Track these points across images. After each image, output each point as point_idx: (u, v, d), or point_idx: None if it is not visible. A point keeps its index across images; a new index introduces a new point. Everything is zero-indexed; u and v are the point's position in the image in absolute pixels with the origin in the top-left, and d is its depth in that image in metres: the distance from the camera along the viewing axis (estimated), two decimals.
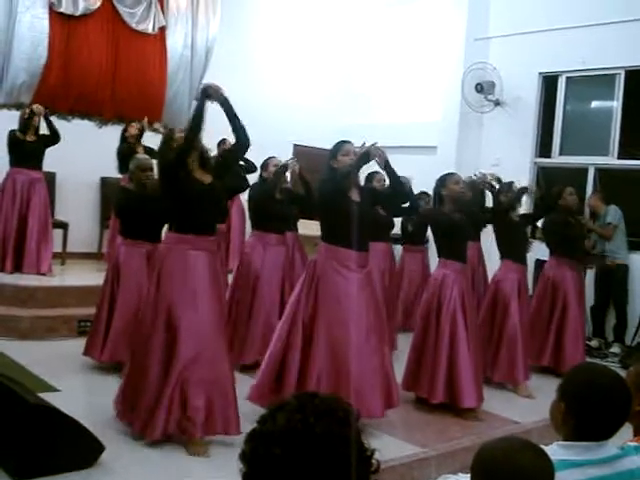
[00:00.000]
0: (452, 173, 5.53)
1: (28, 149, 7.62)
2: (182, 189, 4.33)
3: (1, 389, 3.83)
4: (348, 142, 5.09)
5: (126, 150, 8.19)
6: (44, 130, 7.82)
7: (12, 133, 7.62)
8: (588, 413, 2.16)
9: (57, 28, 8.86)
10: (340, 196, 4.75)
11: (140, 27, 9.58)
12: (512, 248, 6.42)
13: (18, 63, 8.63)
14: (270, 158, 6.65)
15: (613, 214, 8.23)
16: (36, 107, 7.65)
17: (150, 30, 9.68)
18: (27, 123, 7.61)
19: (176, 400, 4.09)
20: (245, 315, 6.08)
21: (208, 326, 4.24)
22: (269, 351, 4.69)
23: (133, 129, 8.50)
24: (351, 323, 4.47)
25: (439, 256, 5.67)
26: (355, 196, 4.82)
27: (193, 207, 4.32)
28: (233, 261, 9.28)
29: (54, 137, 7.77)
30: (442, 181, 5.54)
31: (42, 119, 7.73)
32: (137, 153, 7.93)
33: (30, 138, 7.66)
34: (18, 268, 7.54)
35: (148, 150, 7.96)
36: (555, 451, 2.09)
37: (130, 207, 5.75)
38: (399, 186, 5.04)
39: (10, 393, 3.79)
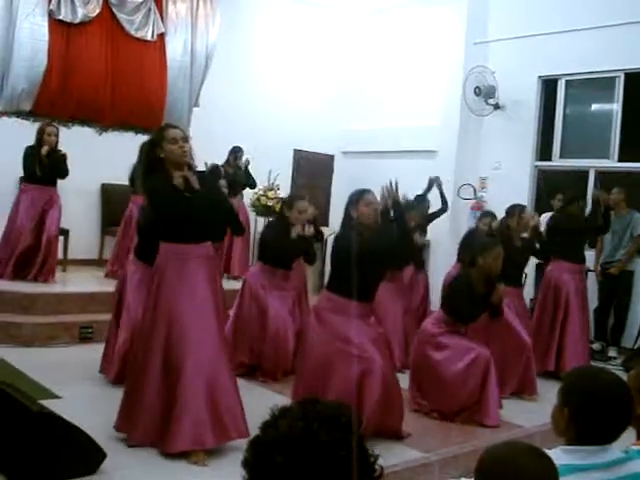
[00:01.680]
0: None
1: (41, 168, 7.57)
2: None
3: (3, 397, 3.82)
4: (369, 191, 4.86)
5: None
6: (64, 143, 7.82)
7: (28, 149, 7.61)
8: (591, 417, 2.16)
9: (56, 35, 8.87)
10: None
11: (139, 34, 9.59)
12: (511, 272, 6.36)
13: (18, 70, 8.64)
14: (297, 200, 6.40)
15: None
16: (50, 129, 7.65)
17: (149, 37, 9.69)
18: (40, 139, 7.59)
19: (186, 412, 4.09)
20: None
21: (209, 335, 4.24)
22: None
23: None
24: None
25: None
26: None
27: (180, 219, 4.28)
28: (237, 267, 9.28)
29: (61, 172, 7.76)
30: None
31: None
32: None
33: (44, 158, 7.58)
34: (21, 277, 7.53)
35: None
36: (559, 456, 2.09)
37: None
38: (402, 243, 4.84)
39: (12, 401, 3.79)
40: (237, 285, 6.92)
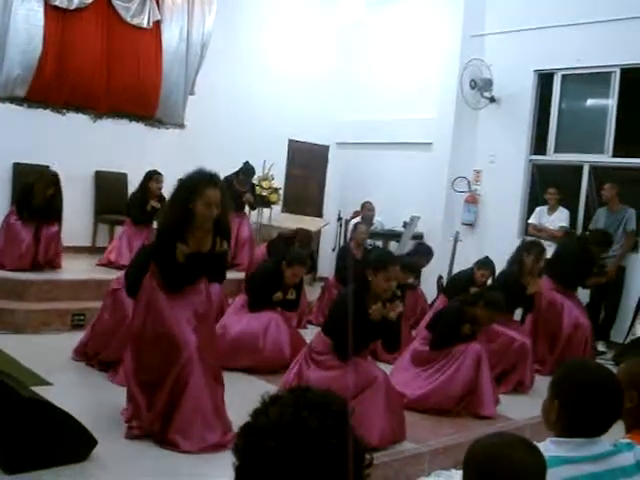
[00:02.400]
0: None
1: (37, 207, 7.52)
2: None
3: None
4: (395, 263, 4.67)
5: (139, 200, 8.34)
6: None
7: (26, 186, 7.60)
8: (581, 410, 2.17)
9: (52, 21, 8.82)
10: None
11: (135, 21, 9.55)
12: None
13: (13, 56, 8.59)
14: (296, 264, 6.35)
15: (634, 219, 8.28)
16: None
17: (145, 24, 9.65)
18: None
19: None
20: None
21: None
22: None
23: (156, 185, 8.45)
24: None
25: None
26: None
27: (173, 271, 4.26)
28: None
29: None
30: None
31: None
32: (148, 203, 8.28)
33: (38, 199, 7.52)
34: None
35: (162, 198, 8.18)
36: (548, 447, 2.10)
37: None
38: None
39: (2, 386, 3.78)
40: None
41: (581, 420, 2.17)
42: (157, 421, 4.13)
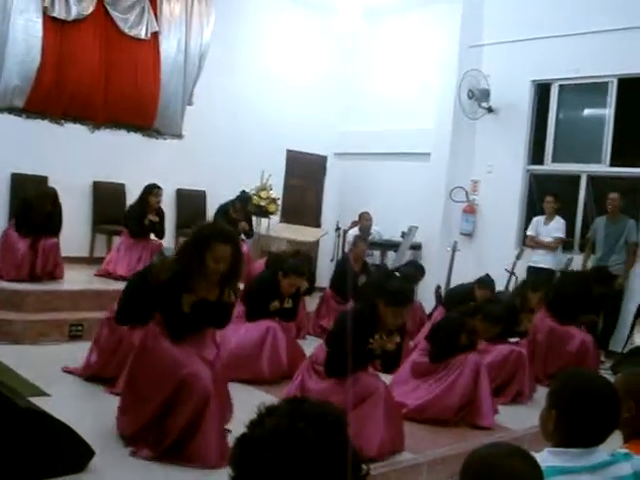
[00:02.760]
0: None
1: (36, 224, 7.52)
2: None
3: None
4: (409, 304, 4.69)
5: (137, 213, 8.35)
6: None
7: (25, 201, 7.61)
8: (579, 420, 2.16)
9: (50, 32, 8.84)
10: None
11: (133, 32, 9.58)
12: None
13: (11, 67, 8.61)
14: (293, 274, 6.40)
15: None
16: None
17: (143, 35, 9.67)
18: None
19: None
20: None
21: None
22: None
23: (155, 199, 8.43)
24: None
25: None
26: None
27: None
28: None
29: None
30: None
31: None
32: (146, 217, 8.30)
33: (37, 215, 7.53)
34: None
35: (163, 212, 8.39)
36: (546, 458, 2.10)
37: None
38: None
39: (0, 397, 3.77)
40: None
41: (578, 430, 2.17)
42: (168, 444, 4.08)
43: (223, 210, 9.38)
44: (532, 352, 6.92)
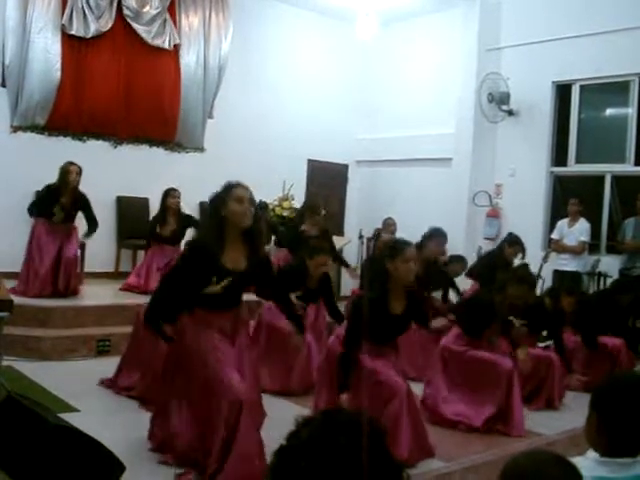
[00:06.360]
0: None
1: (65, 204, 7.63)
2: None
3: (20, 409, 3.81)
4: (409, 245, 4.66)
5: (159, 219, 8.39)
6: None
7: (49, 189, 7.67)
8: (621, 426, 2.10)
9: (69, 50, 8.94)
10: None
11: (156, 42, 9.64)
12: None
13: (32, 86, 8.70)
14: (315, 255, 6.34)
15: None
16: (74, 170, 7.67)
17: (166, 45, 9.75)
18: (64, 180, 7.64)
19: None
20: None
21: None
22: None
23: (173, 200, 8.43)
24: None
25: None
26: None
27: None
28: None
29: (91, 224, 7.86)
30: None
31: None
32: (166, 222, 8.31)
33: (65, 200, 7.63)
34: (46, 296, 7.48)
35: (185, 217, 8.33)
36: (593, 467, 2.04)
37: None
38: None
39: (29, 413, 3.77)
40: None
41: (621, 437, 2.10)
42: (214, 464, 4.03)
43: None
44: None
